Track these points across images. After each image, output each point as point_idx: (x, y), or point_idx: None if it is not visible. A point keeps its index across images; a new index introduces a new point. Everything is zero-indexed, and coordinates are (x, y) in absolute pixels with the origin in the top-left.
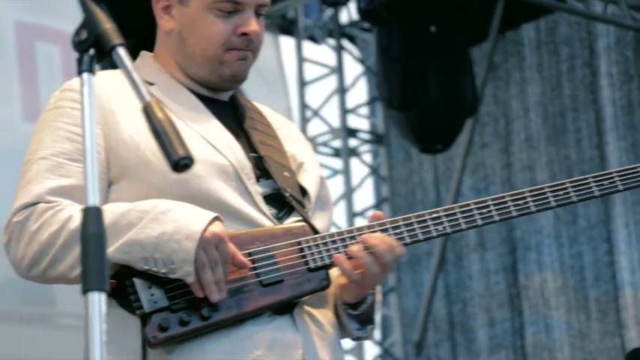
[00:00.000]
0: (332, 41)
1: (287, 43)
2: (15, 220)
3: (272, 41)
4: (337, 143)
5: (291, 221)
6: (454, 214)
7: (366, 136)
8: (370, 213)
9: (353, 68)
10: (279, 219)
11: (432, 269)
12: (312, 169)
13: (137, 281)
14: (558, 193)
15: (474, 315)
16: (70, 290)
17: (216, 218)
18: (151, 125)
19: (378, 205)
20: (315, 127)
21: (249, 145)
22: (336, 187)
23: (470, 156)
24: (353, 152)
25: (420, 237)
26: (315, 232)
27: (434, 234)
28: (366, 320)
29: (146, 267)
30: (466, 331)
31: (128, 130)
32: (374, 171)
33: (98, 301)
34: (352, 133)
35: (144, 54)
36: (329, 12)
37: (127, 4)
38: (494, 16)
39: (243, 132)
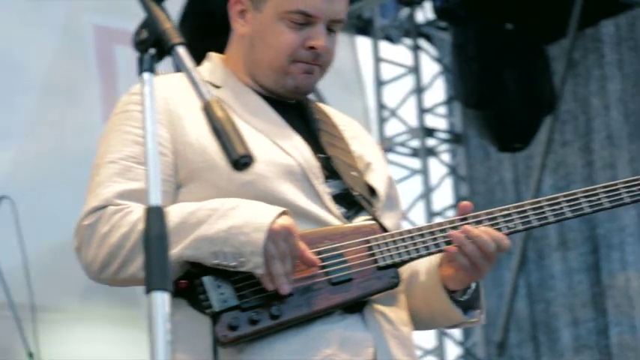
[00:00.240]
0: (408, 41)
1: (363, 43)
2: (85, 223)
3: (348, 42)
4: (415, 143)
5: (360, 220)
6: (541, 207)
7: (444, 136)
8: (449, 213)
9: (430, 67)
10: (348, 218)
11: (513, 269)
12: (380, 169)
13: (207, 280)
14: (632, 189)
15: (557, 315)
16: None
17: (284, 212)
18: (211, 124)
19: (456, 205)
20: (393, 127)
21: (316, 146)
22: (414, 187)
23: (550, 154)
24: (431, 152)
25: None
26: (385, 230)
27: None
28: (470, 306)
29: (216, 261)
30: (549, 331)
31: (195, 133)
32: (452, 170)
33: (161, 300)
34: (430, 132)
35: (212, 56)
36: (405, 11)
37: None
38: (572, 13)
39: (310, 133)
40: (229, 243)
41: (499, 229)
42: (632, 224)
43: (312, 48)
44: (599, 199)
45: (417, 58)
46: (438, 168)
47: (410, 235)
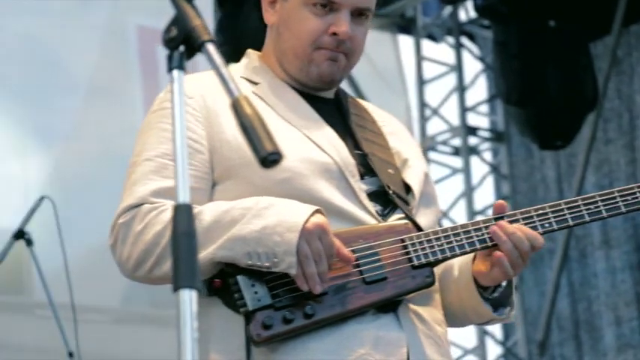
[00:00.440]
0: (451, 39)
1: (406, 42)
2: (120, 221)
3: (391, 40)
4: (457, 142)
5: (396, 218)
6: (576, 206)
7: (486, 134)
8: (490, 212)
9: (472, 66)
10: (384, 216)
11: (555, 267)
12: (416, 166)
13: (241, 279)
14: None
15: (600, 314)
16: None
17: (317, 211)
18: (239, 121)
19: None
20: (435, 125)
21: (353, 143)
22: (455, 185)
23: (593, 152)
24: (473, 150)
25: (540, 229)
26: (419, 229)
27: (555, 226)
28: (501, 304)
29: (249, 262)
30: (592, 330)
31: (231, 130)
32: (494, 169)
33: (189, 298)
34: (472, 131)
35: (250, 53)
36: (448, 10)
37: None
38: (617, 10)
39: (347, 129)
40: (263, 243)
41: (534, 228)
42: None
43: (334, 34)
44: (635, 197)
45: (459, 57)
46: (479, 166)
47: (445, 234)
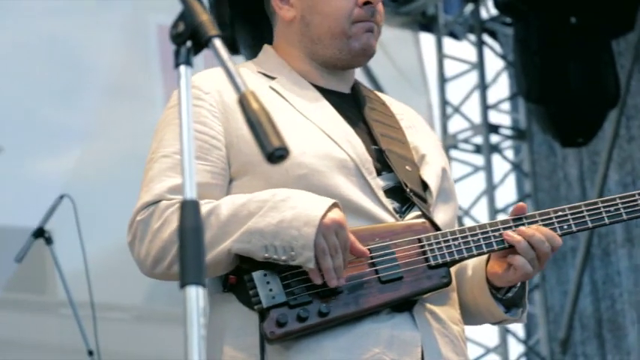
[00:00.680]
0: (472, 37)
1: (427, 39)
2: (138, 218)
3: (412, 38)
4: (478, 139)
5: (414, 216)
6: (596, 208)
7: (507, 132)
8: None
9: (494, 63)
10: (402, 213)
11: (578, 266)
12: (434, 162)
13: (256, 276)
14: None
15: (623, 312)
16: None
17: (334, 205)
18: (246, 116)
19: (520, 202)
20: (456, 123)
21: (370, 138)
22: (477, 183)
23: (616, 149)
24: (494, 148)
25: (559, 231)
26: (436, 228)
27: (574, 229)
28: (514, 304)
29: (266, 255)
30: (615, 328)
31: None
32: (516, 167)
33: (196, 294)
34: (494, 129)
35: (266, 48)
36: (469, 7)
37: None
38: (639, 6)
39: (364, 124)
40: (280, 237)
41: (553, 230)
42: None
43: (366, 3)
44: None
45: (481, 54)
46: (501, 164)
47: (462, 234)
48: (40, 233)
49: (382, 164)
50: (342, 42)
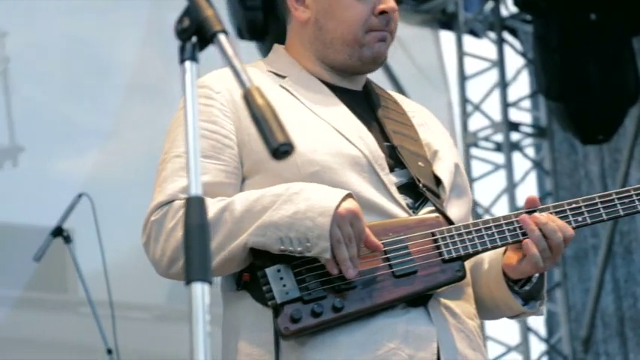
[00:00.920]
0: (493, 34)
1: (447, 37)
2: (152, 219)
3: (432, 36)
4: (499, 137)
5: (426, 211)
6: (610, 200)
7: (528, 130)
8: None
9: (514, 61)
10: (415, 209)
11: (600, 264)
12: (447, 158)
13: (269, 272)
14: None
15: None
16: (214, 289)
17: (348, 195)
18: (251, 112)
19: (541, 200)
20: (477, 121)
21: (382, 135)
22: (498, 181)
23: (637, 147)
24: (515, 146)
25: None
26: (450, 222)
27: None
28: (532, 297)
29: (282, 247)
30: (637, 326)
31: None
32: (537, 165)
33: (201, 291)
34: (514, 126)
35: (277, 47)
36: (489, 5)
37: None
38: None
39: (376, 121)
40: (295, 228)
41: (568, 223)
42: None
43: (382, 13)
44: None
45: (501, 52)
46: (522, 162)
47: (476, 227)
48: (58, 232)
49: (395, 161)
50: (353, 49)
